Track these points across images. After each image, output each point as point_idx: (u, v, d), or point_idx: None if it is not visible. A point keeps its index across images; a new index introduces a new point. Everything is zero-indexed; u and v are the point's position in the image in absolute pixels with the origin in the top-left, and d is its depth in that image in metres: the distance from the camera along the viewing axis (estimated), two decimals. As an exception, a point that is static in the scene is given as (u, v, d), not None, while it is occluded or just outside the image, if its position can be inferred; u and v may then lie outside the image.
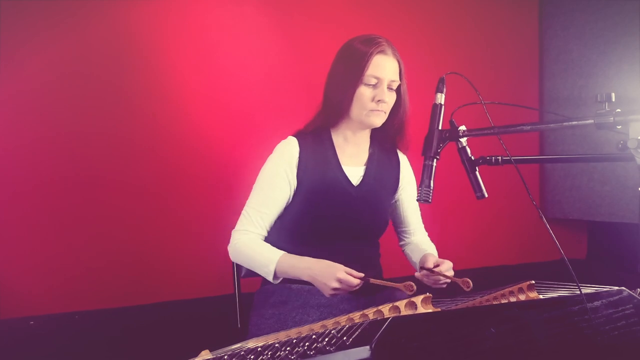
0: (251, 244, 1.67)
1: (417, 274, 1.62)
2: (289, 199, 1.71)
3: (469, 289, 1.49)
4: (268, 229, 1.72)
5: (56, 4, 2.28)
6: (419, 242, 1.89)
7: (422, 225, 1.93)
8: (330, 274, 1.50)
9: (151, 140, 2.46)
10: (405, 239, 1.92)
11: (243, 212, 1.72)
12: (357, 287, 1.50)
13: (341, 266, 1.51)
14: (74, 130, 2.33)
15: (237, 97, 2.64)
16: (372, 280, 1.50)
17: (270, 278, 1.63)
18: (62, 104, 2.30)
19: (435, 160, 1.34)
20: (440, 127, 1.36)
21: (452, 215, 3.15)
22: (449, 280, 1.58)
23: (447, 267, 1.60)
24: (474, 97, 1.36)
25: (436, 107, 1.37)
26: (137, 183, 2.44)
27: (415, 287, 1.44)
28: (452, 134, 1.34)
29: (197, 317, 2.47)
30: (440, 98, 1.38)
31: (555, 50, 3.44)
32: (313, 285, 1.58)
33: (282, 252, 1.63)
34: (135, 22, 2.43)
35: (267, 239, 1.72)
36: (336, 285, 1.49)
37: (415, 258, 1.82)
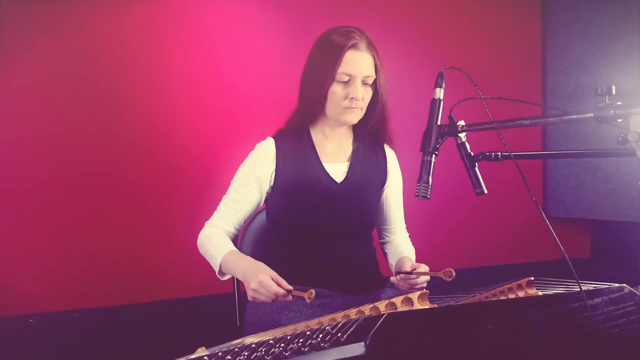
0: (211, 236, 1.65)
1: (392, 279, 1.53)
2: (259, 202, 1.69)
3: (450, 279, 1.40)
4: (237, 227, 1.70)
5: (56, 4, 2.28)
6: (399, 244, 1.81)
7: (404, 226, 1.86)
8: (254, 275, 1.44)
9: (151, 141, 2.46)
10: (386, 237, 1.85)
11: (219, 205, 1.72)
12: (284, 297, 1.43)
13: (270, 271, 1.46)
14: (74, 130, 2.33)
15: (238, 97, 2.63)
16: (306, 295, 1.39)
17: (216, 272, 1.61)
18: (62, 104, 2.30)
19: (433, 155, 1.32)
20: (439, 122, 1.34)
21: (452, 212, 3.13)
22: (424, 284, 1.52)
23: (424, 269, 1.53)
24: (475, 93, 1.34)
25: (435, 102, 1.35)
26: (136, 182, 2.43)
27: None
28: (450, 129, 1.32)
29: (197, 315, 2.46)
30: (439, 93, 1.36)
31: (558, 47, 3.42)
32: (306, 286, 1.52)
33: (233, 249, 1.61)
34: (135, 22, 2.43)
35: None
36: (255, 286, 1.43)
37: (392, 260, 1.77)
